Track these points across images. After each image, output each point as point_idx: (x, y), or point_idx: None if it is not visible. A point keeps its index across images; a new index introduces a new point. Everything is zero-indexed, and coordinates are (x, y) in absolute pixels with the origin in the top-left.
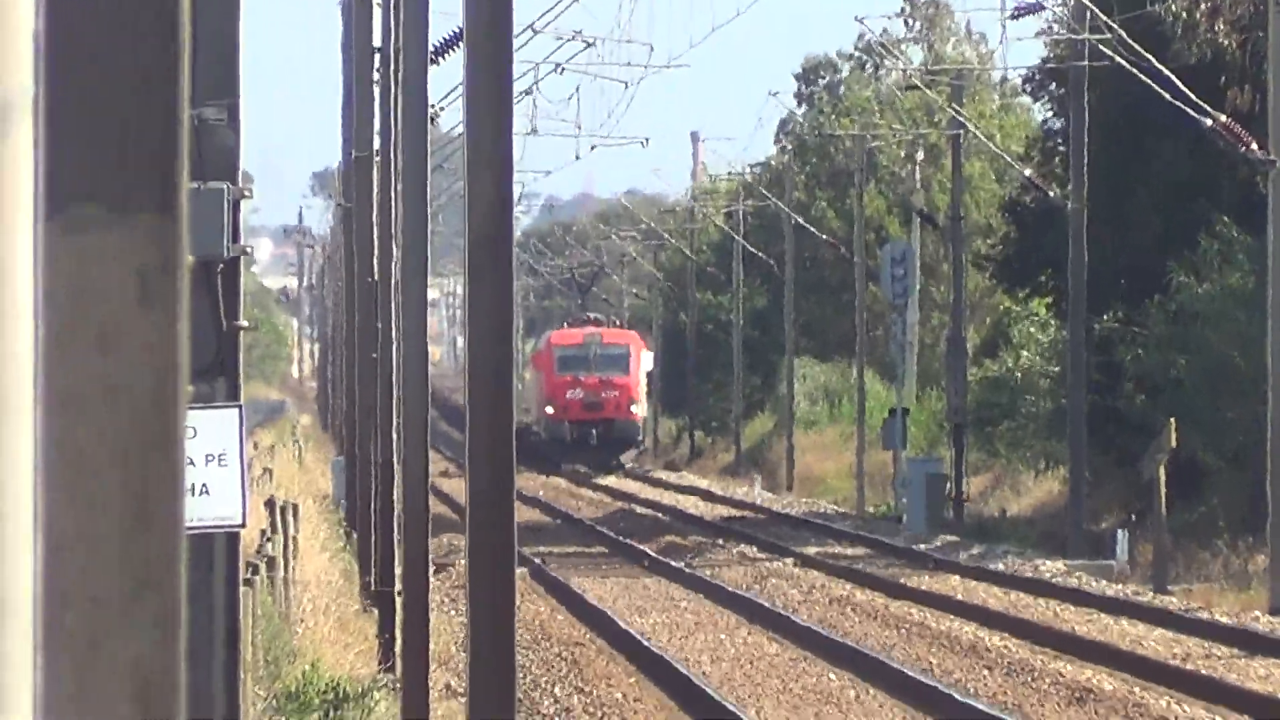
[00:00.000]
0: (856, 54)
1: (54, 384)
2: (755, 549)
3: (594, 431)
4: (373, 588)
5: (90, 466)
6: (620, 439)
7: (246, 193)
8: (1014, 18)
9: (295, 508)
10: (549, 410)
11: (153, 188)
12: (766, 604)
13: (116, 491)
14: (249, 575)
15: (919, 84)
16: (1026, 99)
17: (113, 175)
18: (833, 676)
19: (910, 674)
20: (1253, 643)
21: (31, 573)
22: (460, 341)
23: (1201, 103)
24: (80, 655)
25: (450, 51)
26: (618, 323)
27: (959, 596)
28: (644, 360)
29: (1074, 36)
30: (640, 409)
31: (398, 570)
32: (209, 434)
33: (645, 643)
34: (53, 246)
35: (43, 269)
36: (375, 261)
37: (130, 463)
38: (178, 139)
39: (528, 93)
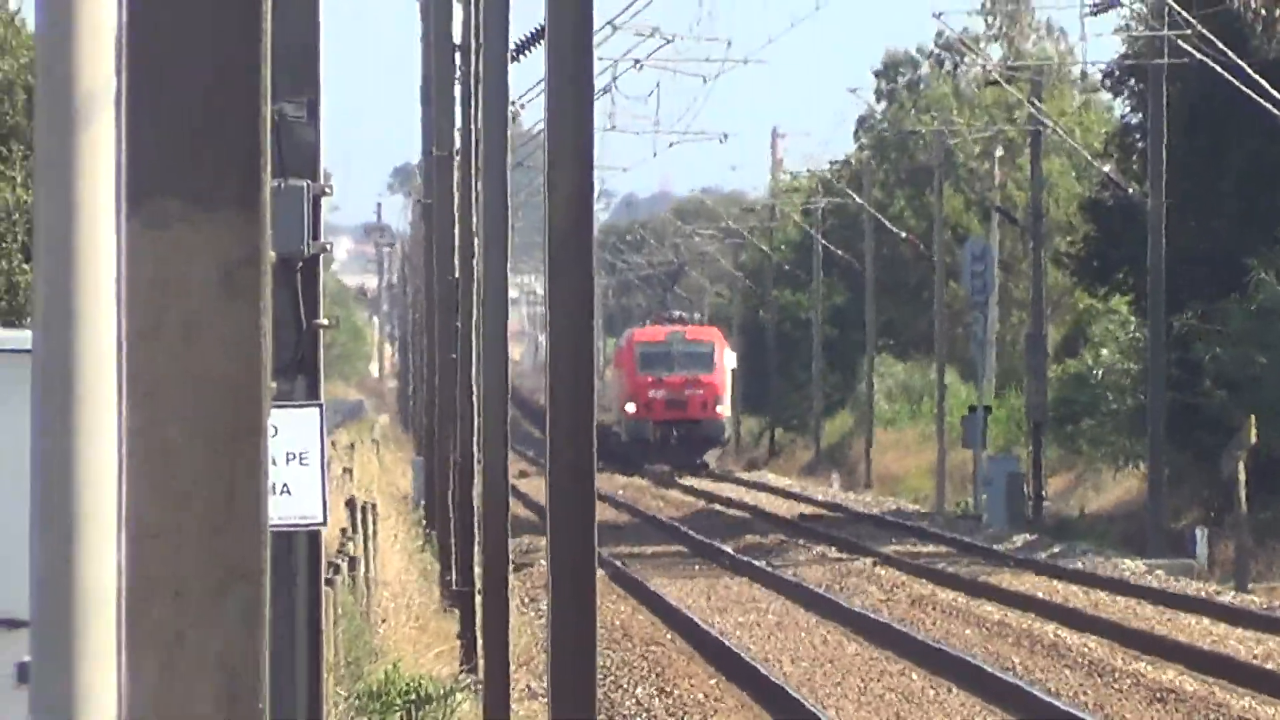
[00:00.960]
0: (936, 50)
1: (138, 375)
2: (835, 548)
3: (676, 431)
4: (453, 587)
5: (176, 458)
6: (704, 438)
7: (327, 190)
8: (1093, 13)
9: (374, 507)
10: (630, 409)
11: (235, 183)
12: (846, 603)
13: (203, 483)
14: (330, 575)
15: (999, 79)
16: (1106, 95)
17: (195, 169)
18: (914, 676)
19: (992, 672)
20: None
21: (115, 566)
22: (540, 340)
23: None
24: (166, 648)
25: (530, 48)
26: (701, 320)
27: (1040, 595)
28: (727, 358)
29: (1153, 33)
30: (724, 408)
31: (477, 570)
32: (290, 432)
33: (726, 643)
34: (136, 238)
35: (126, 260)
36: (456, 259)
37: (216, 454)
38: (259, 134)
39: (606, 90)
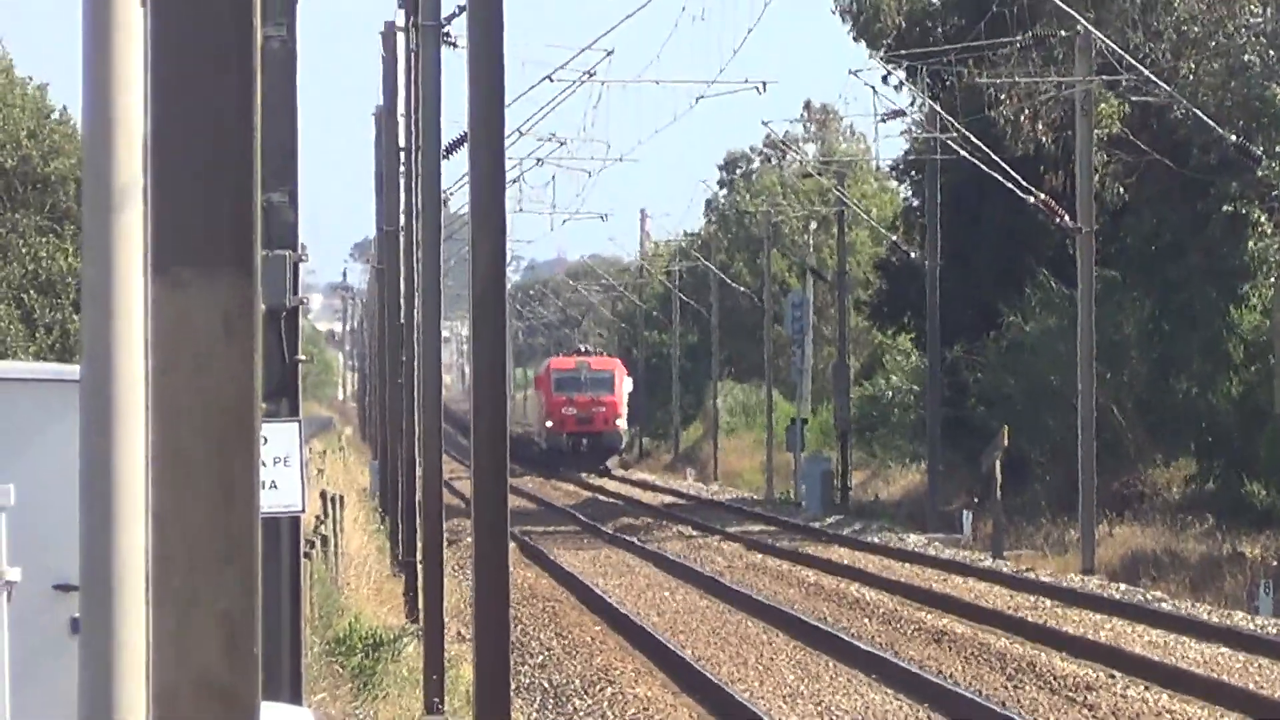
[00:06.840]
0: (765, 150)
1: (160, 399)
2: (690, 527)
3: (584, 441)
4: (400, 559)
5: (190, 461)
6: (607, 447)
7: (303, 258)
8: (883, 120)
9: (341, 499)
10: (549, 424)
11: (234, 252)
12: (699, 569)
13: (210, 480)
14: (307, 550)
15: (813, 172)
16: (894, 183)
17: (204, 243)
18: (750, 624)
19: (809, 620)
20: (1069, 596)
21: (144, 545)
22: (466, 370)
23: (1026, 184)
24: (183, 607)
25: (458, 149)
26: (602, 353)
27: (845, 562)
28: (625, 383)
29: (929, 135)
30: (623, 422)
31: (419, 545)
32: (276, 442)
33: (607, 599)
34: (159, 296)
35: (151, 312)
36: (401, 309)
37: (220, 458)
38: (253, 216)
39: (515, 181)
